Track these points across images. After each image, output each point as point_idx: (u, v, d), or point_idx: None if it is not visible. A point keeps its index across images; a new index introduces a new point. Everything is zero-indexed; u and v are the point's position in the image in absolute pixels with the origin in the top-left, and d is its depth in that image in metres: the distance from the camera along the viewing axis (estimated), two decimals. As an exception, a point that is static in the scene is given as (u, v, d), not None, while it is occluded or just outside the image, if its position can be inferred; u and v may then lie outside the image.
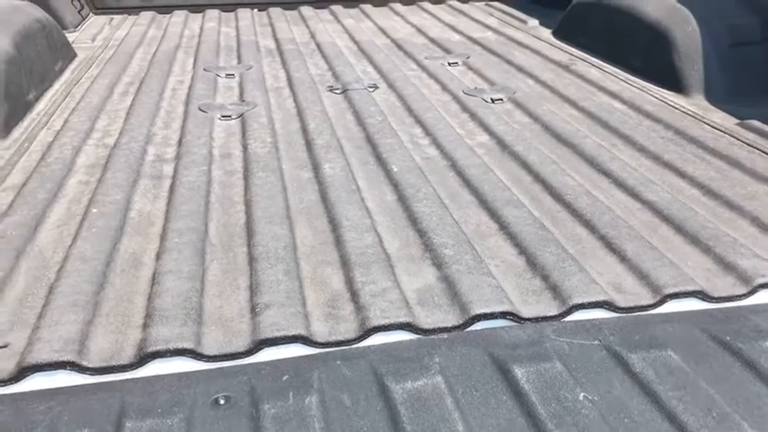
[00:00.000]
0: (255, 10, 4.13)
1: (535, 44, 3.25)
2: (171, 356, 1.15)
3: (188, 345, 1.16)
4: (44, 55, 2.67)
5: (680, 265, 1.40)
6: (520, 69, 2.85)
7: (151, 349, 1.15)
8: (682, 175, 1.84)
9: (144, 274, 1.40)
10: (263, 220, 1.59)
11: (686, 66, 2.48)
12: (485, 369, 1.05)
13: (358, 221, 1.58)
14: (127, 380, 1.10)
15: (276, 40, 3.43)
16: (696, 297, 1.30)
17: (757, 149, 1.99)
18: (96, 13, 4.04)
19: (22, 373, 1.12)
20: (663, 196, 1.70)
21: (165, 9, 4.10)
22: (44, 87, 2.58)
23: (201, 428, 0.96)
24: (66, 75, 2.83)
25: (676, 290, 1.30)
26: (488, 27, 3.67)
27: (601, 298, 1.27)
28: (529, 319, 1.23)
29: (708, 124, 2.20)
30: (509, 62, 2.96)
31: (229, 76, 2.81)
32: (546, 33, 3.49)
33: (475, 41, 3.34)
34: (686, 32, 2.51)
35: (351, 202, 1.68)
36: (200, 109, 2.38)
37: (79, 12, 3.83)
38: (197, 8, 4.12)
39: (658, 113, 2.28)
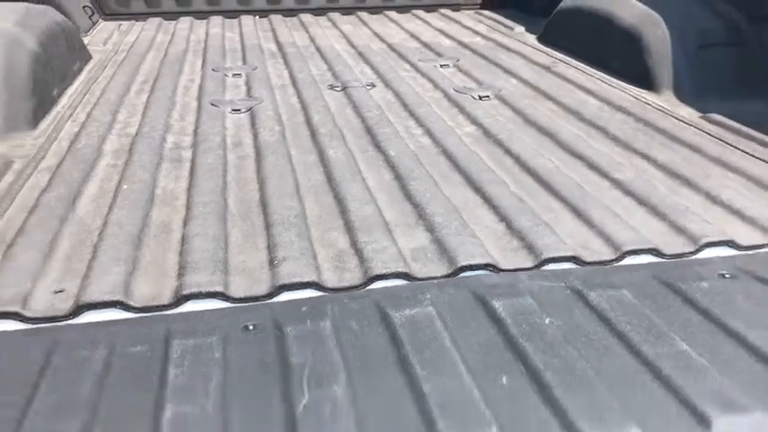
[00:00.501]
0: (257, 17, 4.36)
1: (520, 48, 3.49)
2: (204, 298, 1.35)
3: (218, 288, 1.36)
4: (65, 55, 2.88)
5: (639, 229, 1.61)
6: (506, 71, 3.08)
7: (186, 292, 1.35)
8: (648, 159, 2.07)
9: (174, 237, 1.61)
10: (276, 196, 1.80)
11: (657, 66, 2.71)
12: (468, 302, 1.27)
13: (360, 196, 1.79)
14: (168, 315, 1.30)
15: (278, 43, 3.66)
16: (651, 254, 1.52)
17: (716, 138, 2.22)
18: (105, 19, 4.25)
19: (79, 310, 1.32)
20: (629, 176, 1.92)
21: (171, 15, 4.31)
22: (65, 85, 2.79)
23: (235, 346, 1.16)
24: (84, 74, 3.03)
25: (634, 247, 1.51)
26: (477, 33, 3.90)
27: (569, 254, 1.49)
28: (507, 270, 1.45)
29: (675, 117, 2.43)
30: (496, 64, 3.19)
31: (236, 75, 3.02)
32: (531, 39, 3.72)
33: (465, 46, 3.57)
34: (657, 36, 2.74)
35: (353, 181, 1.89)
36: (211, 104, 2.59)
37: (90, 17, 4.04)
38: (201, 14, 4.34)
39: (631, 108, 2.51)
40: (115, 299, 1.33)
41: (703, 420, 0.97)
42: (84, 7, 3.99)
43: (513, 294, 1.29)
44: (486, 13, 4.52)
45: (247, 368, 1.10)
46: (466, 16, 4.42)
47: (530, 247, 1.53)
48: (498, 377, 1.06)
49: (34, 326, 1.27)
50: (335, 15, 4.41)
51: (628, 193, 1.83)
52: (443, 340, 1.15)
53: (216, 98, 2.66)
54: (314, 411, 0.99)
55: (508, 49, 3.49)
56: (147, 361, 1.12)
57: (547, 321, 1.20)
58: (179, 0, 4.35)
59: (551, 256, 1.48)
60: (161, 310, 1.33)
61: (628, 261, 1.49)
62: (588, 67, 3.04)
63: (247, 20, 4.25)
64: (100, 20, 4.21)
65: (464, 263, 1.45)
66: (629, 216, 1.70)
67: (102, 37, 3.81)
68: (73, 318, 1.30)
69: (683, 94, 2.62)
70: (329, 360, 1.10)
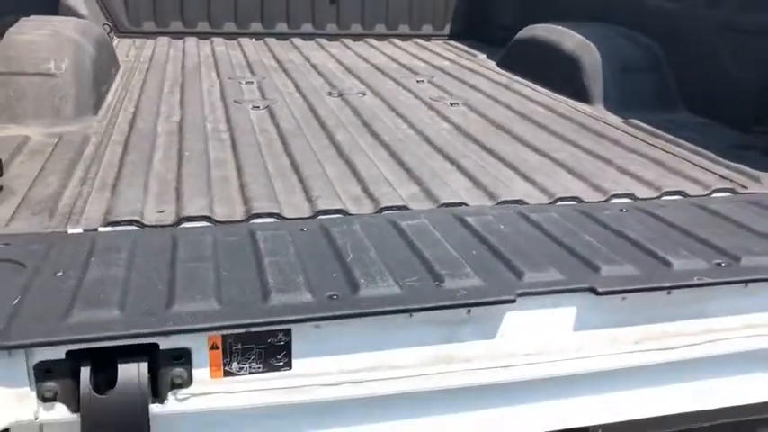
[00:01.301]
0: (254, 39, 4.98)
1: (483, 71, 4.18)
2: (265, 217, 1.93)
3: (275, 210, 1.95)
4: (107, 60, 3.44)
5: (569, 187, 2.26)
6: (471, 87, 3.75)
7: (254, 212, 1.93)
8: (579, 147, 2.73)
9: (233, 185, 2.18)
10: (302, 163, 2.39)
11: (591, 83, 3.40)
12: (449, 219, 1.88)
13: (366, 164, 2.40)
14: (245, 224, 1.88)
15: (278, 60, 4.28)
16: (575, 201, 2.16)
17: (632, 136, 2.90)
18: (120, 37, 4.82)
19: (179, 221, 1.88)
20: (564, 157, 2.58)
21: (178, 35, 4.89)
22: (109, 84, 3.35)
23: (297, 236, 1.74)
24: (118, 78, 3.60)
25: (563, 195, 2.15)
26: (446, 58, 4.59)
27: (518, 197, 2.12)
28: (474, 205, 2.07)
29: (603, 122, 3.11)
30: (463, 82, 3.86)
31: (249, 83, 3.62)
32: (492, 64, 4.42)
33: (436, 67, 4.25)
34: (592, 60, 3.45)
35: (359, 155, 2.50)
36: (234, 101, 3.19)
37: (108, 34, 4.60)
38: (204, 36, 4.93)
39: (569, 114, 3.19)
40: (204, 214, 1.90)
41: (593, 267, 1.60)
42: (103, 25, 4.56)
43: (479, 214, 1.91)
44: (453, 42, 5.23)
45: (309, 245, 1.68)
46: (436, 45, 5.12)
47: (490, 195, 2.16)
48: (470, 251, 1.67)
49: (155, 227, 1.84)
50: (322, 41, 5.06)
51: (562, 166, 2.48)
52: (435, 234, 1.76)
53: (237, 98, 3.26)
54: (355, 263, 1.58)
55: (473, 71, 4.18)
56: (242, 241, 1.69)
57: (501, 227, 1.82)
58: (185, 22, 4.95)
59: (504, 199, 2.11)
60: (237, 224, 1.90)
61: (558, 204, 2.13)
62: (537, 86, 3.73)
63: (246, 41, 4.87)
64: (115, 37, 4.77)
65: (444, 201, 2.07)
66: (561, 179, 2.34)
67: (122, 51, 4.37)
68: (175, 227, 1.87)
69: (610, 106, 3.31)
70: (362, 243, 1.69)
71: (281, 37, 5.05)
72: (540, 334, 1.55)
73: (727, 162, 2.56)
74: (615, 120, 3.16)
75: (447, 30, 5.40)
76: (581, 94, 3.43)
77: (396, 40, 5.18)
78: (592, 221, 1.90)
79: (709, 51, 3.14)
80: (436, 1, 5.33)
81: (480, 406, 1.59)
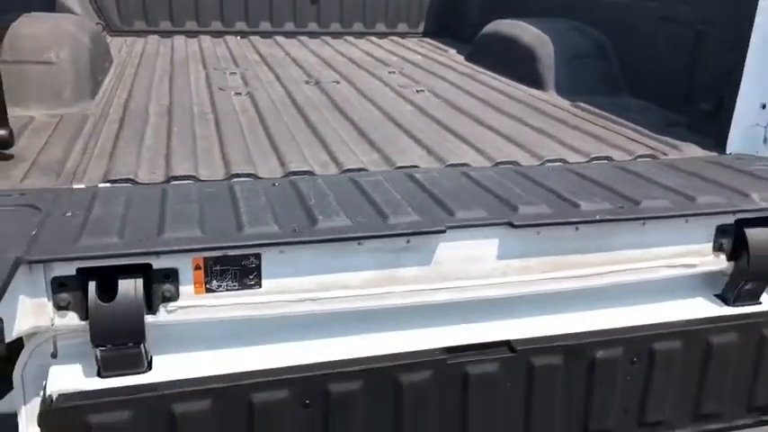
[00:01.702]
0: (239, 37, 5.29)
1: (451, 63, 4.51)
2: (243, 177, 2.24)
3: (251, 171, 2.26)
4: (102, 52, 3.75)
5: (510, 154, 2.58)
6: (438, 76, 4.08)
7: (233, 173, 2.24)
8: (528, 125, 3.04)
9: (216, 153, 2.49)
10: (278, 138, 2.70)
11: (545, 72, 3.74)
12: (401, 177, 2.19)
13: (334, 138, 2.72)
14: (225, 181, 2.19)
15: (260, 55, 4.59)
16: (512, 164, 2.48)
17: (577, 116, 3.23)
18: (112, 35, 5.12)
19: (168, 180, 2.19)
20: (512, 132, 2.90)
21: (167, 34, 5.20)
22: (104, 74, 3.65)
23: (269, 189, 2.05)
24: (112, 70, 3.90)
25: (503, 159, 2.48)
26: (418, 53, 4.92)
27: (463, 161, 2.44)
28: (425, 167, 2.39)
29: (554, 105, 3.44)
30: (431, 72, 4.19)
31: (233, 73, 3.94)
32: (460, 58, 4.75)
33: (408, 61, 4.58)
34: (546, 51, 3.78)
35: (330, 131, 2.81)
36: (219, 88, 3.50)
37: (101, 32, 4.90)
38: (192, 34, 5.25)
39: (523, 99, 3.52)
40: (190, 174, 2.21)
41: (513, 207, 1.92)
42: (96, 23, 4.86)
43: (427, 173, 2.23)
44: (427, 39, 5.57)
45: (278, 195, 1.99)
46: (410, 42, 5.45)
47: (440, 160, 2.48)
48: (414, 198, 1.98)
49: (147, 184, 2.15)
50: (303, 38, 5.38)
51: (509, 140, 2.80)
52: (386, 186, 2.07)
53: (222, 85, 3.57)
54: (316, 206, 1.88)
55: (441, 63, 4.51)
56: (221, 191, 2.00)
57: (444, 182, 2.13)
58: (174, 21, 5.26)
59: (452, 162, 2.43)
60: (218, 182, 2.21)
61: (498, 167, 2.46)
62: (499, 75, 4.07)
63: (231, 39, 5.18)
64: (108, 36, 5.07)
65: (400, 164, 2.38)
66: (506, 149, 2.66)
67: (115, 48, 4.67)
68: (165, 184, 2.18)
69: (561, 91, 3.64)
70: (323, 191, 2.01)
71: (265, 35, 5.37)
72: (467, 261, 1.87)
73: (656, 136, 2.89)
74: (564, 103, 3.49)
75: (421, 28, 5.74)
76: (536, 82, 3.76)
77: (373, 38, 5.51)
78: (521, 177, 2.22)
79: (649, 41, 3.48)
80: (411, 1, 5.67)
81: (417, 323, 1.91)
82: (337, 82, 3.81)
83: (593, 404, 1.97)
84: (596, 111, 3.30)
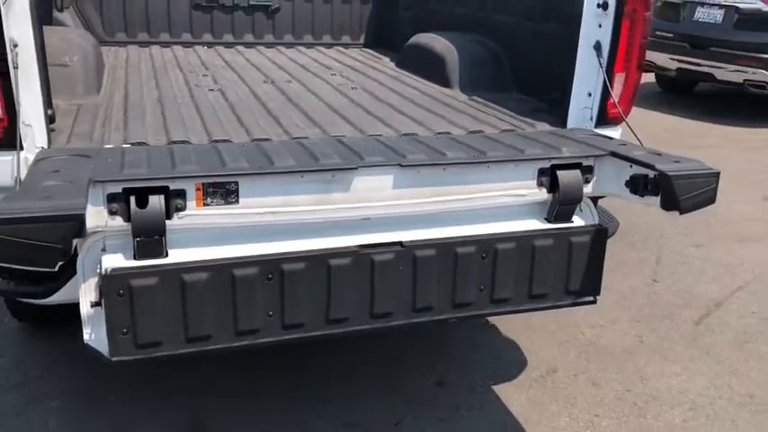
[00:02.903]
0: (206, 47, 6.25)
1: (383, 68, 5.56)
2: (221, 141, 3.21)
3: (227, 138, 3.23)
4: (98, 57, 4.67)
5: (413, 129, 3.61)
6: (371, 78, 5.11)
7: (213, 138, 3.21)
8: (432, 112, 4.07)
9: (201, 129, 3.45)
10: (244, 119, 3.68)
11: (452, 74, 4.80)
12: (333, 140, 3.20)
13: (286, 119, 3.71)
14: (210, 143, 3.16)
15: (225, 61, 5.56)
16: (413, 134, 3.50)
17: (471, 106, 4.30)
18: (97, 45, 6.01)
19: (169, 143, 3.15)
20: (419, 116, 3.92)
21: (144, 44, 6.13)
22: (102, 76, 4.58)
23: (241, 148, 3.03)
24: (106, 73, 4.82)
25: (406, 132, 3.50)
26: (357, 60, 5.96)
27: (379, 133, 3.46)
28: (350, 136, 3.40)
29: (455, 99, 4.51)
30: (365, 75, 5.23)
31: (204, 75, 4.90)
32: (392, 64, 5.80)
33: (348, 66, 5.61)
34: (453, 58, 4.85)
35: (284, 116, 3.80)
36: (195, 86, 4.46)
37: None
38: (165, 44, 6.18)
39: (433, 94, 4.58)
40: (185, 140, 3.17)
41: (402, 155, 2.94)
42: (85, 35, 5.75)
43: (351, 139, 3.25)
44: (367, 49, 6.62)
45: (247, 150, 2.96)
46: (353, 51, 6.49)
47: (362, 132, 3.49)
48: (340, 151, 2.99)
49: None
50: (261, 48, 6.37)
51: (415, 121, 3.82)
52: (322, 145, 3.08)
53: (197, 83, 4.54)
54: (274, 153, 2.88)
55: (375, 68, 5.55)
56: (209, 147, 2.97)
57: (362, 143, 3.15)
58: (150, 33, 6.19)
59: (370, 134, 3.45)
60: (205, 144, 3.18)
61: (402, 136, 3.48)
62: (418, 77, 5.13)
63: (199, 48, 6.14)
64: (93, 44, 5.96)
65: (333, 135, 3.39)
66: (411, 127, 3.68)
67: (103, 54, 5.58)
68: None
69: (463, 89, 4.71)
70: (278, 148, 2.99)
71: (228, 45, 6.34)
72: (373, 190, 2.88)
73: (521, 118, 3.97)
74: (464, 97, 4.56)
75: (362, 39, 6.79)
76: (445, 82, 4.82)
77: (320, 48, 6.53)
78: (415, 141, 3.25)
79: (527, 50, 4.58)
80: (352, 17, 6.72)
81: (341, 230, 2.91)
82: (289, 81, 4.81)
83: (458, 284, 3.00)
84: (485, 102, 4.37)
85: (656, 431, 4.03)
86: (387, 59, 6.05)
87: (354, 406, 4.07)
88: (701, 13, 11.62)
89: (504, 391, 4.31)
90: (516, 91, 4.70)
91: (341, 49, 6.56)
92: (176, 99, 4.07)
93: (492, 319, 5.06)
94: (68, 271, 2.73)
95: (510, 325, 5.00)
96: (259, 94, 4.32)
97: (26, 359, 4.34)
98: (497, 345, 4.82)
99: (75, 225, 2.26)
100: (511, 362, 4.63)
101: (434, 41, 5.11)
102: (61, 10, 5.63)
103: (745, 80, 11.20)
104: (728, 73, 11.28)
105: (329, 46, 6.63)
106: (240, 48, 6.27)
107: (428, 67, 5.09)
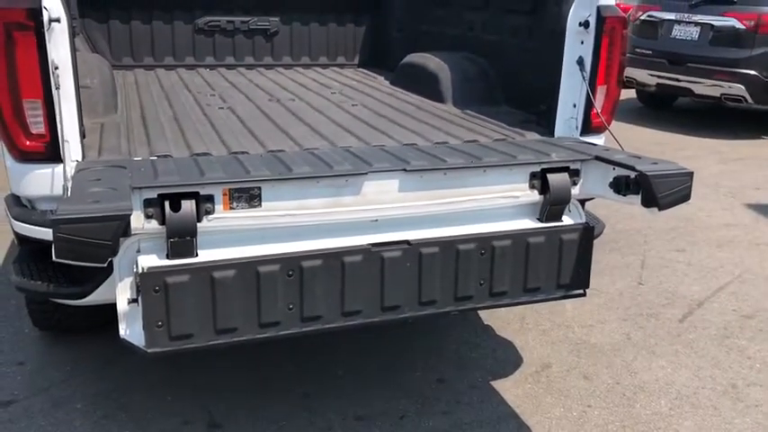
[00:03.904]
0: (208, 69, 6.56)
1: (378, 86, 5.88)
2: (239, 152, 3.49)
3: (245, 150, 3.51)
4: (113, 78, 4.96)
5: (413, 139, 3.91)
6: (368, 95, 5.43)
7: (233, 150, 3.50)
8: (428, 124, 4.40)
9: (218, 142, 3.74)
10: (255, 133, 3.97)
11: (444, 90, 5.13)
12: (342, 150, 3.50)
13: (296, 133, 4.01)
14: (228, 154, 3.44)
15: (230, 82, 5.87)
16: (414, 144, 3.80)
17: (463, 119, 4.62)
18: (104, 68, 6.30)
19: (192, 156, 3.43)
20: (416, 128, 4.23)
21: (149, 67, 6.42)
22: (117, 97, 4.86)
23: (259, 158, 3.31)
24: (119, 94, 5.10)
25: (407, 142, 3.80)
26: (354, 79, 6.28)
27: (382, 144, 3.76)
28: (356, 146, 3.70)
29: (448, 112, 4.83)
30: (364, 93, 5.54)
31: (212, 95, 5.20)
32: (387, 82, 6.13)
33: (346, 85, 5.93)
34: (446, 75, 5.18)
35: (292, 129, 4.10)
36: (206, 104, 4.76)
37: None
38: (169, 67, 6.48)
39: (428, 109, 4.89)
40: (206, 152, 3.46)
41: (406, 161, 3.23)
42: (93, 59, 6.04)
43: (359, 148, 3.54)
44: (361, 69, 6.96)
45: (267, 159, 3.25)
46: (348, 71, 6.82)
47: (367, 143, 3.80)
48: (350, 159, 3.28)
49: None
50: (261, 69, 6.68)
51: (413, 132, 4.14)
52: (332, 154, 3.37)
53: (207, 102, 4.83)
54: (290, 163, 3.16)
55: (371, 86, 5.88)
56: (229, 157, 3.26)
57: (368, 151, 3.44)
58: (155, 57, 6.49)
59: (374, 145, 3.74)
60: (224, 155, 3.46)
61: (403, 145, 3.78)
62: (413, 94, 5.45)
63: (202, 70, 6.45)
64: (102, 68, 6.24)
65: (340, 146, 3.69)
66: (409, 137, 3.99)
67: (111, 77, 5.86)
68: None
69: (456, 104, 5.04)
70: (293, 157, 3.28)
71: (230, 67, 6.65)
72: (381, 193, 3.17)
73: (512, 128, 4.29)
74: (457, 111, 4.88)
75: (356, 60, 7.13)
76: (438, 97, 5.15)
77: (317, 68, 6.85)
78: (416, 149, 3.56)
79: (516, 67, 4.92)
80: (347, 39, 7.06)
81: (354, 230, 3.19)
82: (293, 99, 5.12)
83: (460, 278, 3.29)
84: (478, 115, 4.70)
85: (644, 419, 4.31)
86: (381, 78, 6.38)
87: (363, 401, 4.32)
88: (678, 31, 12.13)
89: (502, 386, 4.57)
90: (506, 104, 5.04)
91: (337, 69, 6.89)
92: (190, 116, 4.36)
93: (488, 320, 5.35)
94: (104, 273, 3.00)
95: (505, 325, 5.29)
96: (266, 111, 4.62)
97: (49, 365, 4.57)
98: (494, 344, 5.09)
99: (122, 224, 2.53)
100: (507, 359, 4.90)
101: (427, 60, 5.45)
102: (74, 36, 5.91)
103: (722, 94, 11.67)
104: (706, 88, 11.76)
105: (325, 66, 6.95)
106: (241, 69, 6.58)
107: (422, 83, 5.42)
